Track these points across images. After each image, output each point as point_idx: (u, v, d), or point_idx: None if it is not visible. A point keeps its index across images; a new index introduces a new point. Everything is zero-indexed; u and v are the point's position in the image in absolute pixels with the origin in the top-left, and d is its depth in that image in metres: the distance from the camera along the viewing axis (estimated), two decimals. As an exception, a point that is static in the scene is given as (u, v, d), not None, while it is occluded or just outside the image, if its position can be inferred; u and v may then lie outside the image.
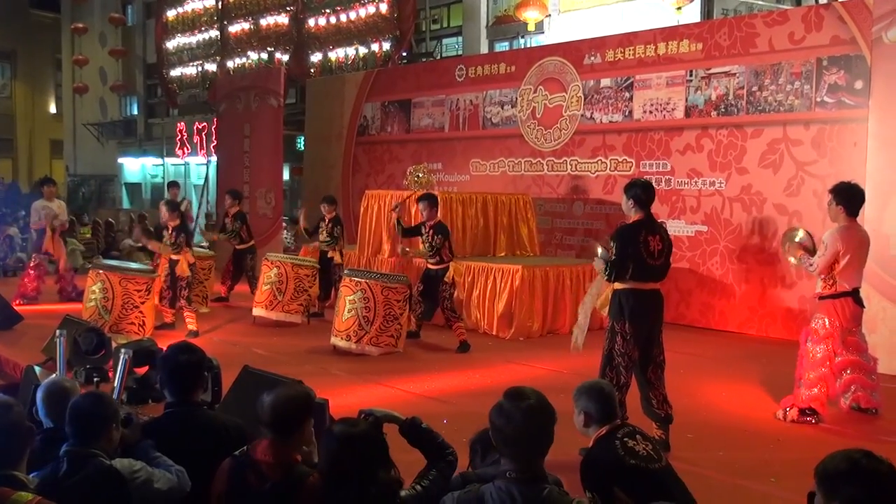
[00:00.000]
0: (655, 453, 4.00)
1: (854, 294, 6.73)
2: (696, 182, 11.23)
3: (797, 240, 7.20)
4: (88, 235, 19.33)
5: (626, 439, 3.97)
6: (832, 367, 6.79)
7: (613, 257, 5.91)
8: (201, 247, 13.73)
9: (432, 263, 9.74)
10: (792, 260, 7.30)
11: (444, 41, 20.77)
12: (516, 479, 3.06)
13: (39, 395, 4.11)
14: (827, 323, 6.72)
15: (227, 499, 3.59)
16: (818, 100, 10.06)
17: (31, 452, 3.82)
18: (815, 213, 9.79)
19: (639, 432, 4.10)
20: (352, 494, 3.27)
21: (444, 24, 20.76)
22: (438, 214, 9.95)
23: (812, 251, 6.96)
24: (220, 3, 23.96)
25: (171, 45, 26.12)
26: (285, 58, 21.21)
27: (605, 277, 6.02)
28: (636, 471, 3.87)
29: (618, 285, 5.99)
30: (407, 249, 10.24)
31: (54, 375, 5.69)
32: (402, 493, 3.39)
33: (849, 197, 6.75)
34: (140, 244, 10.98)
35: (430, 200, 9.84)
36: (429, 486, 3.47)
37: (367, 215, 12.28)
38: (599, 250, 6.23)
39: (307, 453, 3.73)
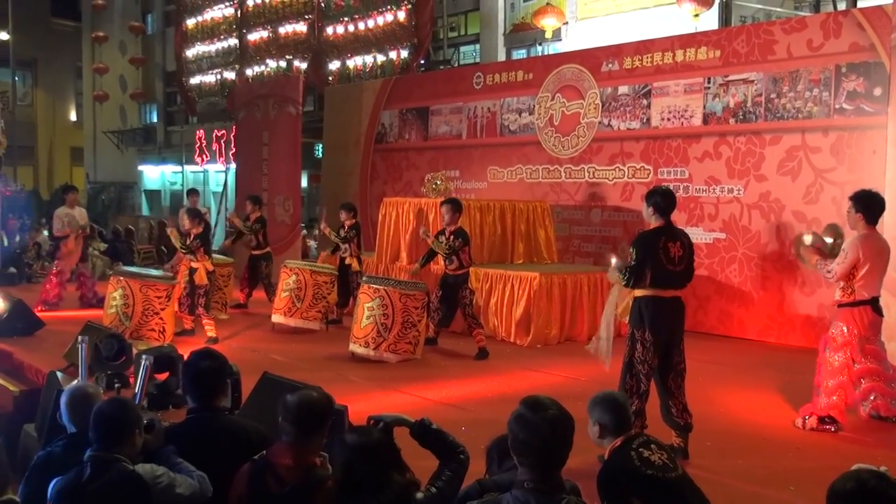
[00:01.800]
0: (671, 462, 4.01)
1: (873, 303, 6.70)
2: (714, 189, 11.20)
3: (809, 243, 7.18)
4: (104, 247, 19.37)
5: (640, 449, 3.98)
6: (850, 376, 6.77)
7: (632, 263, 5.92)
8: (220, 253, 13.81)
9: (451, 269, 9.76)
10: (808, 265, 7.28)
11: (462, 49, 20.80)
12: (534, 490, 3.06)
13: (63, 400, 4.16)
14: (845, 331, 6.70)
15: (246, 502, 3.63)
16: (837, 107, 10.03)
17: (54, 457, 3.88)
18: (834, 221, 9.68)
19: (653, 441, 4.11)
20: (367, 501, 3.29)
21: (462, 32, 20.80)
22: (459, 221, 9.98)
23: (826, 253, 6.95)
24: (239, 12, 24.09)
25: (190, 53, 26.28)
26: (304, 66, 21.30)
27: (624, 283, 6.03)
28: (653, 481, 3.87)
29: (638, 292, 6.00)
30: (429, 234, 10.09)
31: (77, 381, 5.76)
32: (418, 495, 3.41)
33: (868, 205, 6.73)
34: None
35: (453, 205, 9.88)
36: (443, 486, 3.49)
37: (385, 223, 12.32)
38: (613, 260, 6.25)
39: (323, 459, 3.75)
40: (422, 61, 19.22)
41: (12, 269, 16.47)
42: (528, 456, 3.10)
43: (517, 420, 3.16)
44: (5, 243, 17.55)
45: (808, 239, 7.26)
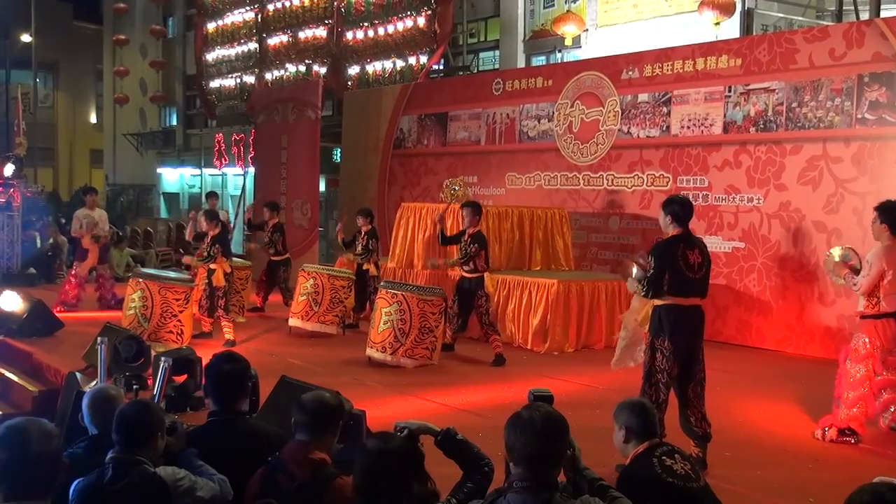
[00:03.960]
0: (693, 473, 4.00)
1: (896, 315, 6.66)
2: (733, 198, 11.15)
3: (838, 258, 7.14)
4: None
5: (663, 457, 3.98)
6: (872, 387, 6.72)
7: (650, 272, 5.89)
8: (239, 256, 13.86)
9: (466, 272, 9.75)
10: (839, 280, 7.21)
11: (482, 55, 20.79)
12: (522, 489, 3.07)
13: (85, 402, 4.18)
14: (867, 343, 6.65)
15: (259, 500, 3.65)
16: (859, 116, 9.97)
17: (75, 459, 3.90)
18: (855, 231, 9.69)
19: (677, 451, 4.10)
20: None
21: (482, 38, 20.78)
22: (480, 224, 9.97)
23: (857, 268, 6.91)
24: (259, 16, 24.20)
25: (210, 56, 26.41)
26: (323, 70, 21.37)
27: (643, 294, 5.99)
28: (672, 489, 3.88)
29: (658, 301, 5.97)
30: (438, 262, 10.24)
31: (96, 382, 5.79)
32: None
33: (893, 216, 6.68)
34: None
35: (473, 208, 9.91)
36: (463, 499, 3.47)
37: (402, 227, 12.33)
38: (634, 270, 6.21)
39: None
40: (438, 67, 19.24)
41: (32, 270, 16.58)
42: (519, 452, 3.10)
43: (511, 419, 3.18)
44: (38, 245, 17.64)
45: (836, 253, 7.19)
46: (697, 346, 6.04)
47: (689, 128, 11.70)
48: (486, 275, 9.75)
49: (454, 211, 10.87)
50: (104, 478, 3.52)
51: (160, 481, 3.54)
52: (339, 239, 12.19)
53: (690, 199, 6.76)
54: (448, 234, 10.30)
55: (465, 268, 9.75)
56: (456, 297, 9.85)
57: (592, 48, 16.91)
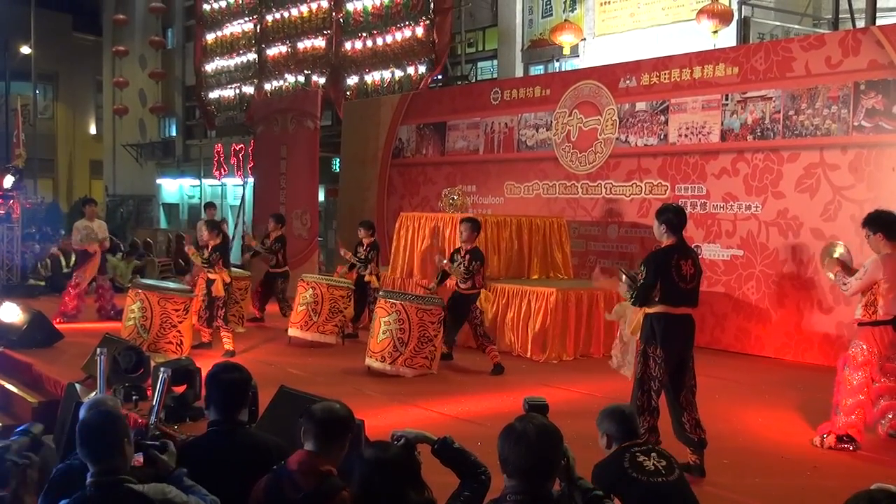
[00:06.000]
0: (665, 470, 4.07)
1: (894, 322, 6.66)
2: (731, 206, 11.17)
3: (836, 255, 7.18)
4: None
5: (637, 454, 4.10)
6: (869, 394, 6.74)
7: (642, 282, 5.93)
8: (238, 267, 13.87)
9: (464, 288, 9.75)
10: (829, 275, 7.26)
11: (480, 64, 20.84)
12: (516, 502, 3.09)
13: (82, 413, 4.16)
14: (865, 350, 6.66)
15: None
16: (855, 124, 10.00)
17: (74, 470, 3.86)
18: (853, 238, 9.68)
19: (656, 450, 4.19)
20: None
21: (480, 48, 20.83)
22: (476, 241, 9.96)
23: (849, 268, 6.93)
24: (258, 27, 24.29)
25: (209, 67, 26.49)
26: (322, 80, 21.43)
27: (631, 302, 6.04)
28: (636, 483, 3.98)
29: (649, 309, 6.01)
30: (445, 263, 10.13)
31: (95, 393, 5.80)
32: None
33: (884, 223, 6.69)
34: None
35: (472, 224, 9.86)
36: None
37: (401, 237, 12.34)
38: (623, 276, 6.25)
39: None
40: (438, 77, 19.28)
41: (32, 281, 16.58)
42: (513, 465, 3.11)
43: (504, 431, 3.20)
44: (63, 264, 17.55)
45: (837, 251, 7.24)
46: (687, 354, 6.08)
47: (686, 136, 11.72)
48: (482, 291, 9.75)
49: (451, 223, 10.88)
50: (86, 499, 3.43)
51: (146, 500, 3.42)
52: (347, 257, 11.97)
53: (687, 207, 6.79)
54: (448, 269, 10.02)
55: (463, 284, 9.74)
56: (448, 309, 9.79)
57: (590, 57, 16.97)
